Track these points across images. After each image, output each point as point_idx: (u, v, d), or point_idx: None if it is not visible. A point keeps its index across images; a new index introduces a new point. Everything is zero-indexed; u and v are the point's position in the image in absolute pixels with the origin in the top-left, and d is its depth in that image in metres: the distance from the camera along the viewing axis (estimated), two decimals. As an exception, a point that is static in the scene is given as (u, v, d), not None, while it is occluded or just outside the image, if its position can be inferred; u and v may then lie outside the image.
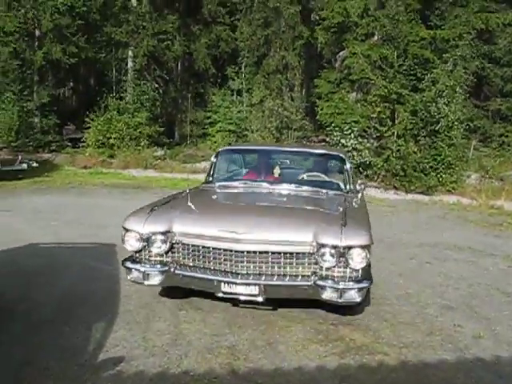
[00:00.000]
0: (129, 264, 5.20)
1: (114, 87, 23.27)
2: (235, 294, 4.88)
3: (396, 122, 17.35)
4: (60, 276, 6.28)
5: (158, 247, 5.06)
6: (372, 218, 5.61)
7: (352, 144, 16.57)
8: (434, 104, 15.89)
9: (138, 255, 5.19)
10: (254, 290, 4.81)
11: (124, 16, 22.59)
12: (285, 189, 6.30)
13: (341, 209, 5.40)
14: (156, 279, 5.09)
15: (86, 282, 6.07)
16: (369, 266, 4.94)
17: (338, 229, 4.73)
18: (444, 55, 17.19)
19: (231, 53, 25.73)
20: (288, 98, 22.43)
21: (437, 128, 16.22)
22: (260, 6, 22.91)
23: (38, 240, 7.92)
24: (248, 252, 4.80)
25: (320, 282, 4.73)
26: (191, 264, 5.05)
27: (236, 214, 5.32)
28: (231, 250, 4.83)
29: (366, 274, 4.90)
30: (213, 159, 7.19)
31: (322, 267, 4.76)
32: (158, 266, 5.09)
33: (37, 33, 21.21)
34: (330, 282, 4.74)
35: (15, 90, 20.59)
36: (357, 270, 4.74)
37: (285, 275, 4.84)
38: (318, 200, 6.04)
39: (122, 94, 22.56)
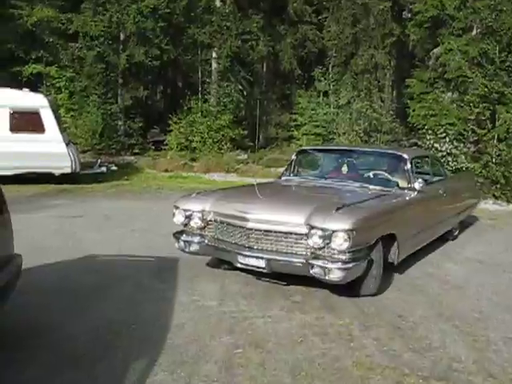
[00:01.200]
0: (177, 234, 6.53)
1: (200, 89, 22.83)
2: (248, 265, 5.82)
3: (497, 124, 15.79)
4: (107, 297, 5.61)
5: (196, 223, 6.31)
6: (470, 234, 4.78)
7: (447, 148, 15.17)
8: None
9: (185, 228, 6.47)
10: (262, 263, 5.67)
11: (208, 17, 22.13)
12: (337, 184, 7.18)
13: (358, 201, 6.13)
14: (194, 248, 6.33)
15: (134, 306, 5.35)
16: (359, 250, 5.41)
17: (326, 214, 5.42)
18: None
19: (318, 53, 24.73)
20: (377, 99, 21.22)
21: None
22: (348, 3, 21.87)
23: (99, 250, 7.41)
24: (255, 229, 5.74)
25: (310, 261, 5.38)
26: (220, 238, 6.17)
27: (254, 199, 6.12)
28: (243, 227, 5.82)
29: (358, 256, 5.38)
30: (292, 157, 8.30)
31: (313, 247, 5.39)
32: (197, 238, 6.32)
33: (121, 36, 21.16)
34: (318, 260, 5.34)
35: (99, 93, 20.61)
36: (343, 252, 5.28)
37: (284, 252, 5.64)
38: (353, 193, 6.78)
39: (206, 96, 22.17)
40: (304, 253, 5.52)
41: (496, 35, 16.02)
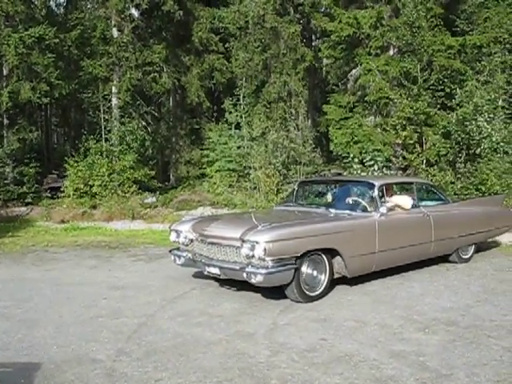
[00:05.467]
0: (172, 251, 8.05)
1: (102, 127, 20.46)
2: (210, 272, 7.27)
3: (425, 147, 14.56)
4: None
5: (183, 241, 7.81)
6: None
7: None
8: (472, 123, 13.09)
9: (179, 245, 7.95)
10: (217, 270, 7.09)
11: (104, 48, 20.00)
12: (303, 210, 8.48)
13: (303, 221, 7.57)
14: (181, 261, 7.82)
15: None
16: (282, 259, 6.56)
17: (252, 230, 6.69)
18: (477, 63, 14.48)
19: (227, 83, 23.02)
20: (294, 128, 19.58)
21: (478, 151, 13.41)
22: (255, 28, 20.30)
23: None
24: (211, 243, 7.30)
25: (244, 268, 6.63)
26: (196, 252, 7.60)
27: (217, 220, 7.95)
28: (205, 242, 7.40)
29: (281, 264, 6.55)
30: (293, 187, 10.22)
31: (245, 256, 6.64)
32: (184, 253, 7.79)
33: (4, 71, 18.65)
34: (248, 267, 6.59)
35: (-20, 136, 17.93)
36: (263, 260, 6.48)
37: (229, 261, 7.00)
38: (303, 215, 8.09)
39: (106, 136, 19.86)
40: (241, 261, 6.78)
41: (416, 53, 14.89)
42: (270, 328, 5.87)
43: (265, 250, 6.40)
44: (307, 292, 6.87)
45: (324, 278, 7.03)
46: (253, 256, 6.52)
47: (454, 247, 9.01)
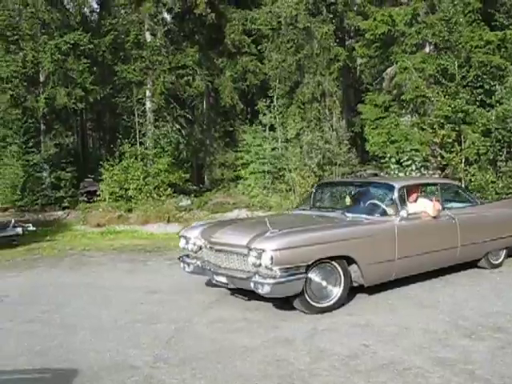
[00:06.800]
0: (181, 257, 7.71)
1: (136, 131, 20.59)
2: (219, 281, 6.86)
3: (464, 146, 14.20)
4: None
5: (192, 247, 7.47)
6: None
7: (413, 177, 13.44)
8: (514, 119, 12.72)
9: (188, 252, 7.62)
10: (225, 279, 6.70)
11: (137, 52, 20.13)
12: (318, 214, 8.06)
13: (315, 226, 7.04)
14: (190, 268, 7.44)
15: None
16: (291, 268, 6.16)
17: (259, 237, 6.34)
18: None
19: (260, 85, 22.92)
20: (328, 129, 19.35)
21: (521, 150, 13.04)
22: (288, 29, 20.16)
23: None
24: (218, 250, 6.91)
25: (252, 277, 6.23)
26: (205, 259, 7.23)
27: (226, 226, 7.43)
28: (213, 249, 7.01)
29: (289, 273, 6.14)
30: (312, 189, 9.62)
31: (252, 264, 6.25)
32: (193, 260, 7.42)
33: (41, 77, 18.94)
34: (256, 276, 6.20)
35: (19, 142, 18.16)
36: (271, 269, 6.11)
37: (237, 270, 6.60)
38: (317, 220, 7.65)
39: (140, 139, 19.97)
40: (249, 270, 6.39)
41: (454, 50, 14.56)
42: (309, 333, 5.73)
43: (272, 258, 6.04)
44: (316, 303, 6.44)
45: (338, 288, 6.57)
46: (260, 265, 6.17)
47: (483, 252, 8.43)
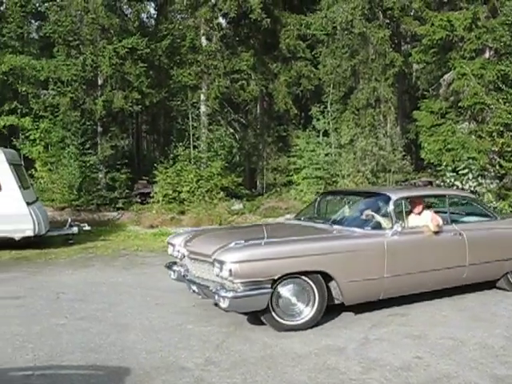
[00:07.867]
0: (169, 264, 7.40)
1: (190, 135, 20.88)
2: (193, 290, 6.57)
3: (524, 155, 13.80)
4: None
5: (177, 254, 7.12)
6: None
7: (470, 186, 13.12)
8: None
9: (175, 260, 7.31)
10: (197, 289, 6.45)
11: (193, 56, 20.40)
12: (304, 224, 7.65)
13: (287, 239, 6.54)
14: (175, 276, 7.09)
15: None
16: (255, 282, 5.82)
17: (223, 248, 6.05)
18: None
19: (314, 90, 22.85)
20: (383, 135, 19.14)
21: None
22: (344, 34, 20.04)
23: (18, 358, 5.25)
24: (192, 259, 6.74)
25: (216, 289, 5.91)
26: (187, 267, 6.88)
27: (203, 235, 7.34)
28: (189, 258, 6.82)
29: (253, 288, 5.79)
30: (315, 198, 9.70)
31: (217, 276, 5.93)
32: (178, 267, 7.04)
33: (99, 81, 19.43)
34: (219, 289, 5.85)
35: (77, 143, 18.67)
36: (231, 281, 5.81)
37: (208, 280, 6.31)
38: (308, 230, 7.17)
39: (195, 143, 20.23)
40: (215, 281, 6.10)
41: (515, 55, 14.19)
42: (361, 343, 5.66)
43: (230, 271, 5.71)
44: (285, 321, 6.04)
45: (311, 306, 6.12)
46: (223, 277, 5.85)
47: (500, 272, 7.60)
